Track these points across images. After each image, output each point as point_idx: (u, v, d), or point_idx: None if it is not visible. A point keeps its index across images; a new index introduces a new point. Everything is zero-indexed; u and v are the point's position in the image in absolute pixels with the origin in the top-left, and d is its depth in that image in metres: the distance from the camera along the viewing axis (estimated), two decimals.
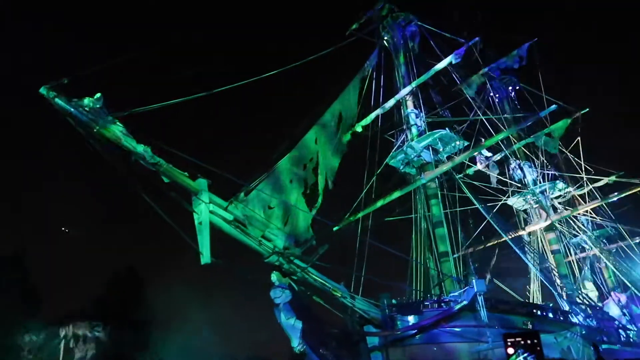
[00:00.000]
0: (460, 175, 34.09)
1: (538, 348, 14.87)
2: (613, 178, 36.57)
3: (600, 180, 37.05)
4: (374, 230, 26.26)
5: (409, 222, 26.29)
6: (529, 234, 34.24)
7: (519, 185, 34.76)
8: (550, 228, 33.82)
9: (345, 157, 27.85)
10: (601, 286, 38.59)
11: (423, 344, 17.16)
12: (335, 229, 27.49)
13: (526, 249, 34.36)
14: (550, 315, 19.10)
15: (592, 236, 38.72)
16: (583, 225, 40.13)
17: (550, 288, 22.26)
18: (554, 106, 25.23)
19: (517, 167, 34.43)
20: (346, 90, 24.50)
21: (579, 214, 38.94)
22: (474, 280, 16.58)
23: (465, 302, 16.48)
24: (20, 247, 38.98)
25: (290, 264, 16.30)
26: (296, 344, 15.48)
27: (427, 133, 25.23)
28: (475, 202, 24.20)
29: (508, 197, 34.60)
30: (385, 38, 30.09)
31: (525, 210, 35.71)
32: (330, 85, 25.63)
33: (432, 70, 26.20)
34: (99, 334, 36.04)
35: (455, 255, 33.78)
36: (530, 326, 17.74)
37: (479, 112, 26.33)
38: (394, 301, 18.20)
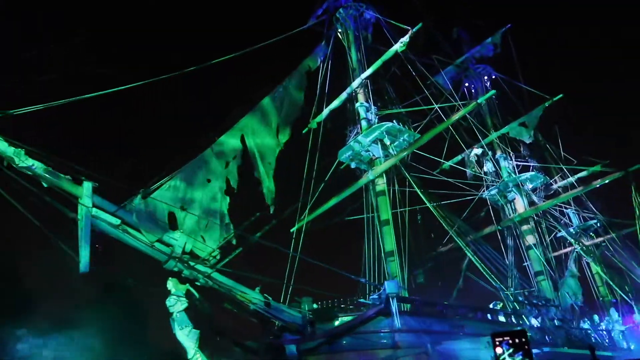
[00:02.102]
0: (437, 171, 32.83)
1: (526, 347, 14.41)
2: (598, 167, 34.59)
3: (583, 170, 35.26)
4: (323, 231, 25.18)
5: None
6: (505, 229, 32.47)
7: (494, 178, 33.15)
8: (526, 222, 32.04)
9: (300, 155, 26.93)
10: (590, 284, 36.70)
11: (344, 352, 15.93)
12: (292, 230, 26.55)
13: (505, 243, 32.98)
14: (489, 317, 17.71)
15: (577, 230, 36.85)
16: (569, 218, 38.31)
17: (500, 288, 20.68)
18: (493, 91, 23.65)
19: (489, 159, 32.81)
20: (286, 83, 23.36)
21: (565, 207, 37.17)
22: (385, 282, 15.29)
23: (382, 306, 15.22)
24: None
25: (190, 269, 15.29)
26: (191, 355, 14.42)
27: (373, 126, 23.93)
28: (425, 200, 22.73)
29: (483, 191, 32.99)
30: (340, 30, 28.91)
31: (502, 205, 33.95)
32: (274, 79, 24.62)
33: (379, 61, 24.92)
34: None
35: (433, 252, 32.46)
36: (462, 329, 16.40)
37: (432, 102, 24.77)
38: (315, 306, 17.03)
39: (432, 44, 29.65)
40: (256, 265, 19.66)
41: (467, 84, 37.54)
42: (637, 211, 29.58)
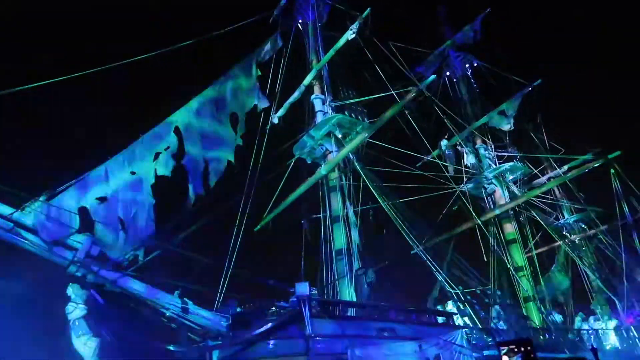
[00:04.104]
0: (419, 164, 31.45)
1: (532, 355, 15.20)
2: (589, 156, 32.51)
3: (572, 159, 33.28)
4: (281, 229, 24.24)
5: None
6: (484, 223, 30.77)
7: (474, 170, 31.54)
8: (507, 216, 30.38)
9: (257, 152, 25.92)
10: (583, 280, 34.73)
11: (261, 359, 14.93)
12: (255, 229, 25.73)
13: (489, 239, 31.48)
14: (426, 318, 16.40)
15: (566, 223, 35.00)
16: (560, 211, 36.49)
17: (448, 288, 19.26)
18: (433, 76, 22.17)
19: (467, 151, 31.21)
20: (231, 75, 22.26)
21: (553, 199, 35.36)
22: (296, 284, 14.19)
23: (295, 310, 14.14)
24: None
25: (95, 274, 14.49)
26: None
27: (323, 119, 22.82)
28: (378, 197, 21.42)
29: (460, 184, 31.35)
30: (300, 21, 27.87)
31: (483, 198, 32.30)
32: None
33: (331, 50, 23.78)
34: None
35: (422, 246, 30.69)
36: (392, 332, 15.21)
37: (392, 90, 23.30)
38: (238, 310, 16.07)
39: (402, 30, 28.33)
40: (190, 266, 18.71)
41: (447, 73, 36.00)
42: (618, 198, 27.59)
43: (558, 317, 28.49)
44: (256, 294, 17.73)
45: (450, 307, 19.85)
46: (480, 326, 17.72)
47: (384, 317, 15.56)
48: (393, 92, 22.71)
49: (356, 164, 22.26)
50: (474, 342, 16.85)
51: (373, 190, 21.35)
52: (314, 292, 14.57)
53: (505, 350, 15.55)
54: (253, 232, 22.72)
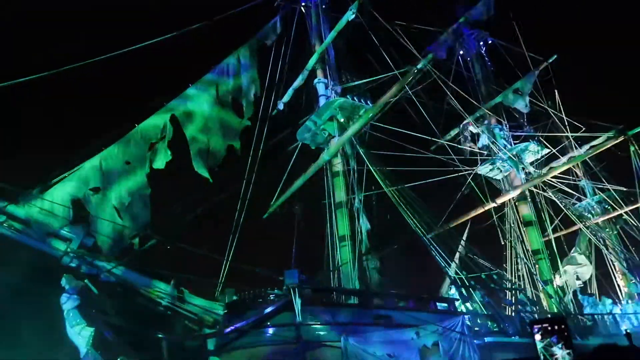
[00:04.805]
0: (434, 147, 30.64)
1: (566, 334, 15.10)
2: (613, 133, 30.94)
3: (595, 137, 31.78)
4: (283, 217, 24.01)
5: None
6: (502, 205, 29.84)
7: (489, 152, 30.50)
8: (524, 198, 29.35)
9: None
10: (608, 261, 33.44)
11: (256, 347, 14.79)
12: (264, 216, 25.64)
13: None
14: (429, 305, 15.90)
15: (588, 204, 33.66)
16: (582, 192, 35.10)
17: (448, 272, 18.59)
18: (429, 56, 21.24)
19: (482, 132, 30.14)
20: (233, 59, 21.85)
21: (575, 180, 34.04)
22: (285, 272, 13.92)
23: (287, 299, 13.91)
24: None
25: (90, 265, 14.57)
26: (83, 354, 13.76)
27: (325, 103, 22.32)
28: (381, 182, 20.85)
29: (478, 167, 30.38)
30: (303, 3, 27.27)
31: (498, 180, 31.27)
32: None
33: (332, 32, 23.18)
34: None
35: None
36: (388, 320, 14.81)
37: (395, 70, 22.51)
38: (234, 298, 15.97)
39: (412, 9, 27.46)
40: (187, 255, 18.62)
41: (461, 52, 34.79)
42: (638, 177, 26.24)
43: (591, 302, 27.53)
44: (256, 283, 17.59)
45: (452, 291, 19.30)
46: (485, 312, 17.13)
47: (380, 304, 15.19)
48: (396, 72, 21.98)
49: (359, 148, 21.73)
50: (476, 328, 16.37)
51: (376, 175, 20.82)
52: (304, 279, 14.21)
53: (539, 330, 15.18)
54: (252, 220, 22.47)
